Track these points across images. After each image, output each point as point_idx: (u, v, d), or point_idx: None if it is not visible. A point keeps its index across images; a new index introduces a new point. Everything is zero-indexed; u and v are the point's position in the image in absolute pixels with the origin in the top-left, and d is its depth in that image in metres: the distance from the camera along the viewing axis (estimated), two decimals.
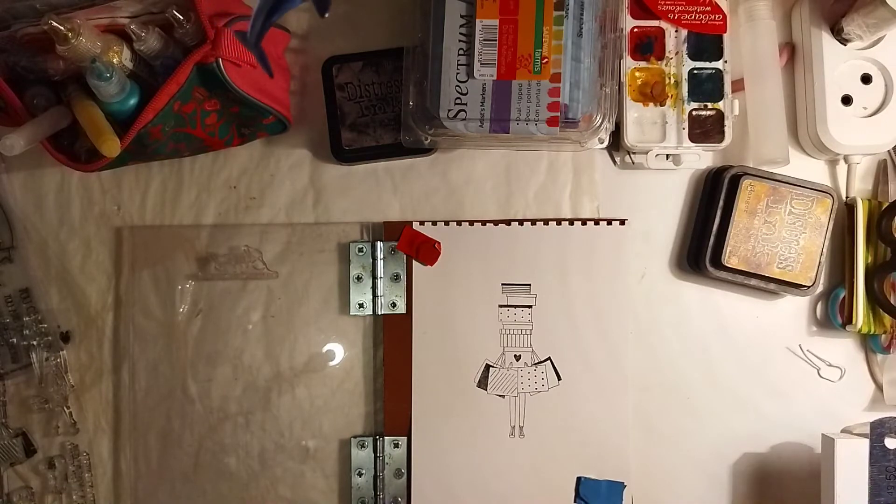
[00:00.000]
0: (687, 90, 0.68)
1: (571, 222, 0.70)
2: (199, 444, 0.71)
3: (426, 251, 0.70)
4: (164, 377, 0.71)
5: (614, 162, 0.72)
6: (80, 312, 0.72)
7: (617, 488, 0.69)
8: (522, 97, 0.61)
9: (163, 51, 0.58)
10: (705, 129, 0.68)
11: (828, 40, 0.68)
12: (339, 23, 0.72)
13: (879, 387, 0.70)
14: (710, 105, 0.68)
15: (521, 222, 0.71)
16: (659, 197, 0.71)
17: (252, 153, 0.72)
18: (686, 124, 0.68)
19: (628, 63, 0.68)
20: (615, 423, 0.69)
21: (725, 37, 0.68)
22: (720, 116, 0.68)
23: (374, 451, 0.70)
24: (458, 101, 0.61)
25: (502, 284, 0.70)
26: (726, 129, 0.68)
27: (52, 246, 0.72)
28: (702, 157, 0.69)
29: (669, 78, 0.68)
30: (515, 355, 0.70)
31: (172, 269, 0.71)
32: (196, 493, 0.70)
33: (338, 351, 0.71)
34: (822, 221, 0.68)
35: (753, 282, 0.68)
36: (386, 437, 0.70)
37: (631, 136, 0.68)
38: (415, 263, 0.70)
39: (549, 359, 0.70)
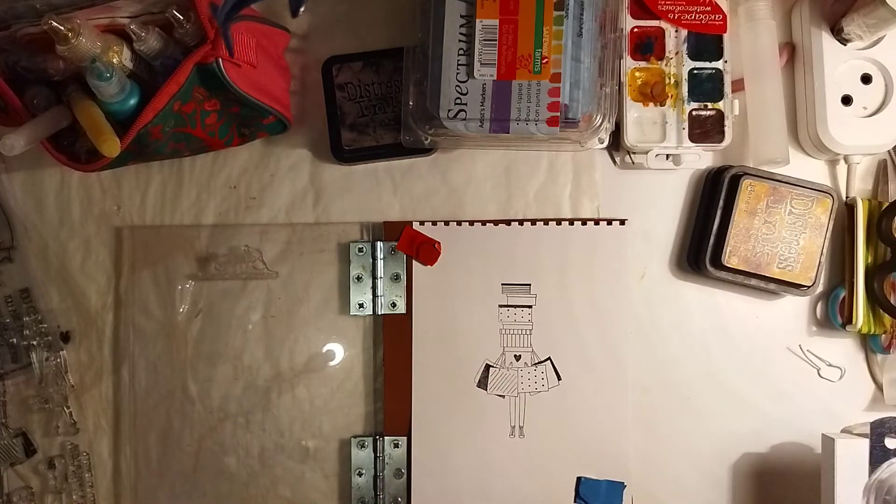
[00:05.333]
0: (687, 90, 0.68)
1: (571, 222, 0.70)
2: (199, 444, 0.71)
3: (426, 251, 0.70)
4: (164, 377, 0.71)
5: (614, 162, 0.72)
6: (80, 312, 0.72)
7: (617, 488, 0.69)
8: (522, 97, 0.61)
9: (163, 51, 0.58)
10: (705, 129, 0.68)
11: (828, 40, 0.68)
12: (339, 23, 0.72)
13: (879, 387, 0.70)
14: (710, 105, 0.68)
15: (521, 222, 0.71)
16: (659, 197, 0.71)
17: (252, 153, 0.72)
18: (686, 124, 0.68)
19: (628, 63, 0.68)
20: (615, 423, 0.69)
21: (725, 37, 0.68)
22: (720, 116, 0.68)
23: (374, 451, 0.70)
24: (458, 101, 0.61)
25: (502, 284, 0.70)
26: (726, 129, 0.68)
27: (52, 246, 0.72)
28: (702, 157, 0.69)
29: (669, 78, 0.68)
30: (515, 355, 0.70)
31: (172, 269, 0.71)
32: (196, 493, 0.70)
33: (338, 351, 0.71)
34: (822, 221, 0.68)
35: (753, 282, 0.68)
36: (386, 437, 0.70)
37: (631, 136, 0.68)
38: (415, 263, 0.70)
39: (549, 359, 0.70)
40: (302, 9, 0.46)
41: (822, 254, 0.68)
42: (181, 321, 0.71)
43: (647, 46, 0.68)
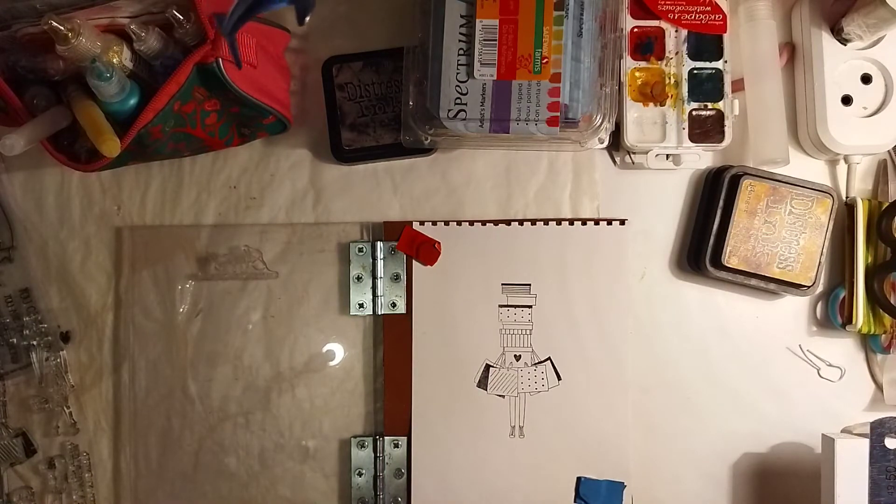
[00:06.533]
0: (687, 90, 0.68)
1: (571, 222, 0.70)
2: (199, 444, 0.71)
3: (426, 251, 0.70)
4: (164, 377, 0.71)
5: (614, 162, 0.72)
6: (80, 312, 0.72)
7: (617, 488, 0.69)
8: (522, 97, 0.61)
9: (163, 51, 0.58)
10: (705, 129, 0.68)
11: (828, 40, 0.68)
12: (339, 23, 0.72)
13: (879, 387, 0.70)
14: (710, 105, 0.68)
15: (521, 222, 0.71)
16: (659, 197, 0.71)
17: (252, 153, 0.72)
18: (686, 124, 0.68)
19: (628, 63, 0.68)
20: (615, 423, 0.69)
21: (725, 37, 0.68)
22: (720, 116, 0.68)
23: (374, 451, 0.70)
24: (458, 101, 0.61)
25: (502, 284, 0.70)
26: (726, 129, 0.68)
27: (52, 246, 0.72)
28: (702, 157, 0.69)
29: (669, 78, 0.68)
30: (515, 355, 0.70)
31: (172, 269, 0.71)
32: (196, 493, 0.70)
33: (338, 351, 0.71)
34: (822, 221, 0.68)
35: (753, 282, 0.68)
36: (386, 437, 0.70)
37: (631, 136, 0.68)
38: (415, 263, 0.70)
39: (549, 359, 0.70)
40: (308, 18, 0.46)
41: (822, 254, 0.68)
42: (181, 321, 0.71)
43: (647, 46, 0.68)
